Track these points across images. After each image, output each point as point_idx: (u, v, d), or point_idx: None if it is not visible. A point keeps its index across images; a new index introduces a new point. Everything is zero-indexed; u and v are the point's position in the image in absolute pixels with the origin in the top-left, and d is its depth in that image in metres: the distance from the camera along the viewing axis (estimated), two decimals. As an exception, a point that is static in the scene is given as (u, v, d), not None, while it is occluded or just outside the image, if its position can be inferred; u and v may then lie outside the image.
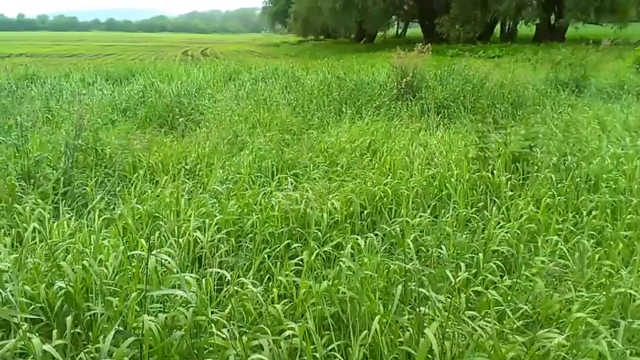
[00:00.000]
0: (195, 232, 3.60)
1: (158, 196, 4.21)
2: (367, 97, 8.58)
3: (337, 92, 8.71)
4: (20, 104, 9.14)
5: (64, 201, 4.42)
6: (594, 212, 3.90)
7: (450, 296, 2.82)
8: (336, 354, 2.37)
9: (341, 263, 3.13)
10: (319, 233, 3.78)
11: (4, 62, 15.76)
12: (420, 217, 3.79)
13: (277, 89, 9.85)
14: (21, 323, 2.09)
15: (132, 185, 4.86)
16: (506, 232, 3.65)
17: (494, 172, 4.49)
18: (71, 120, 7.45)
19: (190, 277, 2.55)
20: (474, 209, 4.08)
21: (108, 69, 14.18)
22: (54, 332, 2.21)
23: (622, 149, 4.97)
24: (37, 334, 2.10)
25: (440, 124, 7.39)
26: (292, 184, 4.66)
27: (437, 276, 3.15)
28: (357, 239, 3.50)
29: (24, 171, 4.77)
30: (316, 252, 3.34)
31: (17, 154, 5.05)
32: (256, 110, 8.11)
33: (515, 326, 2.49)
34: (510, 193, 4.23)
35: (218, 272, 3.21)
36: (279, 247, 3.51)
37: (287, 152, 5.56)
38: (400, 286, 2.67)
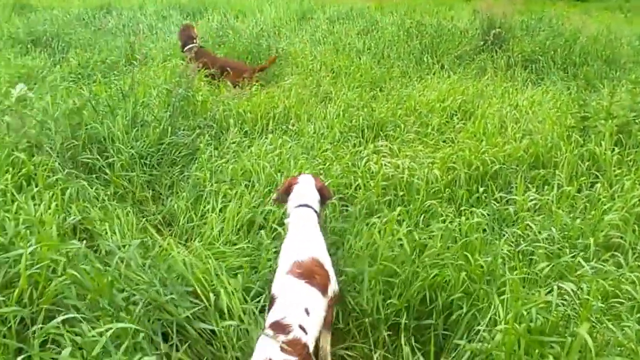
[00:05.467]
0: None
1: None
2: (449, 47, 8.22)
3: (417, 40, 8.38)
4: (100, 38, 9.28)
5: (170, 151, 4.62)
6: None
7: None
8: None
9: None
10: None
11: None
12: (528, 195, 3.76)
13: (354, 33, 9.56)
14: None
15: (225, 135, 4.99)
16: (614, 215, 3.57)
17: (601, 144, 4.34)
18: (159, 61, 7.55)
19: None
20: (577, 187, 3.99)
21: (180, 1, 14.03)
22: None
23: None
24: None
25: (528, 80, 7.09)
26: (388, 147, 4.68)
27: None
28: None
29: (129, 117, 4.86)
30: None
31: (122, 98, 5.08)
32: (336, 57, 7.95)
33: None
34: (618, 171, 4.11)
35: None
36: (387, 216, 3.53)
37: (377, 110, 5.51)
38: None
